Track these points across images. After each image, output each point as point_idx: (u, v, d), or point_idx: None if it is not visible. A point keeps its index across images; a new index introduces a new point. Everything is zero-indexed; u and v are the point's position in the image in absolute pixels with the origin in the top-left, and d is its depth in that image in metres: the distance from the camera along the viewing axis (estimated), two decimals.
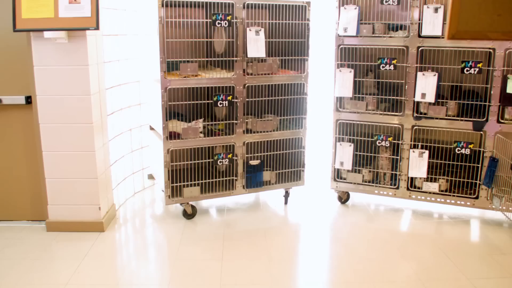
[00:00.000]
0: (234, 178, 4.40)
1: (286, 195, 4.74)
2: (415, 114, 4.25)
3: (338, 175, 4.67)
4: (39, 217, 4.14)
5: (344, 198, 4.74)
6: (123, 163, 4.69)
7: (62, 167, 3.90)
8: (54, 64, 3.72)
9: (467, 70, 4.02)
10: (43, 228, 4.05)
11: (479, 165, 4.15)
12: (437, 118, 4.19)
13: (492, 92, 4.01)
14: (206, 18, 4.32)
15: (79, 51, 3.70)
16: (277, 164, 4.66)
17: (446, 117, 4.18)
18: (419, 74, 4.14)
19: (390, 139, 4.36)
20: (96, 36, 3.87)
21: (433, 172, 4.35)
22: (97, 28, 3.59)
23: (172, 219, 4.34)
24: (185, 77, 4.06)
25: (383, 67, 4.28)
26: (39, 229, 4.05)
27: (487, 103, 4.05)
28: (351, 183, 4.62)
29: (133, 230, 4.16)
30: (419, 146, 4.30)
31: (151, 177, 5.17)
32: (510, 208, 4.10)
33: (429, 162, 4.27)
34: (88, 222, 3.98)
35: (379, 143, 4.41)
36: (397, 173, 4.42)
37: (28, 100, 3.91)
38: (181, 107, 4.36)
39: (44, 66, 3.73)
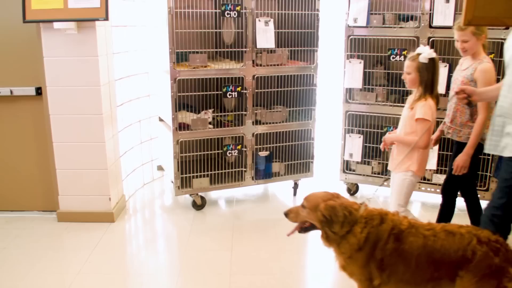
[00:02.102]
0: (243, 169, 4.40)
1: (295, 186, 4.73)
2: None
3: (347, 167, 4.66)
4: (50, 207, 4.16)
5: (353, 189, 4.73)
6: (132, 154, 4.71)
7: (73, 158, 3.92)
8: (63, 55, 3.73)
9: None
10: (54, 218, 4.08)
11: (490, 157, 4.12)
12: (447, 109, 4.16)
13: None
14: (215, 9, 4.30)
15: (89, 42, 3.70)
16: (286, 156, 4.65)
17: None
18: None
19: None
20: (105, 27, 3.88)
21: (443, 164, 4.32)
22: (106, 18, 3.59)
23: (181, 210, 4.35)
24: (194, 68, 4.05)
25: (393, 58, 4.25)
26: (50, 219, 4.08)
27: None
28: (360, 174, 4.61)
29: (142, 220, 4.18)
30: None
31: (160, 168, 5.18)
32: None
33: (439, 154, 4.24)
34: (99, 213, 4.00)
35: (389, 134, 4.39)
36: None
37: (38, 91, 3.92)
38: (190, 98, 4.36)
39: (54, 57, 3.74)
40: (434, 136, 3.54)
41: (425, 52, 3.05)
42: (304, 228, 2.59)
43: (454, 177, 3.33)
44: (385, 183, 3.56)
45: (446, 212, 3.57)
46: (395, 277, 2.42)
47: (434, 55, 3.07)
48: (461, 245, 2.30)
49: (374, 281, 2.45)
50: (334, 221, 2.41)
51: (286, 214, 2.61)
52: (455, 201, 3.54)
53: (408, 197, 3.24)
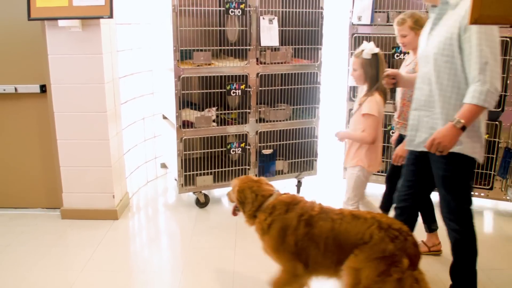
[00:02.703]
0: (247, 167, 4.40)
1: (299, 184, 4.73)
2: None
3: None
4: (54, 205, 4.18)
5: None
6: (136, 152, 4.72)
7: (77, 155, 3.92)
8: (68, 52, 3.74)
9: None
10: (58, 215, 4.09)
11: (494, 156, 4.11)
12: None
13: (508, 82, 3.96)
14: (219, 7, 4.30)
15: (93, 40, 3.71)
16: (290, 154, 4.65)
17: None
18: None
19: None
20: (110, 24, 3.88)
21: None
22: (111, 16, 3.59)
23: (184, 208, 4.36)
24: (198, 65, 4.05)
25: (397, 56, 4.24)
26: (54, 217, 4.10)
27: (502, 93, 4.01)
28: None
29: (146, 218, 4.19)
30: None
31: (164, 166, 5.19)
32: None
33: None
34: (102, 210, 4.01)
35: (392, 133, 4.39)
36: None
37: (43, 88, 3.93)
38: (194, 96, 4.36)
39: (59, 55, 3.75)
40: (394, 137, 3.60)
41: (368, 48, 3.09)
42: (236, 208, 2.87)
43: (397, 167, 3.35)
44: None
45: (387, 199, 3.59)
46: (310, 261, 2.56)
47: (377, 50, 3.12)
48: (362, 228, 2.42)
49: (297, 270, 2.60)
50: (244, 202, 2.72)
51: (227, 196, 2.98)
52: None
53: (358, 191, 3.28)
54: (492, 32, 2.35)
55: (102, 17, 3.61)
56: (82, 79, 3.78)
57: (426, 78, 2.58)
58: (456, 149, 2.48)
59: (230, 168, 4.43)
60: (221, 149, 4.45)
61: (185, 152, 4.22)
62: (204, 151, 4.41)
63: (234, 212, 2.92)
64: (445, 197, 2.68)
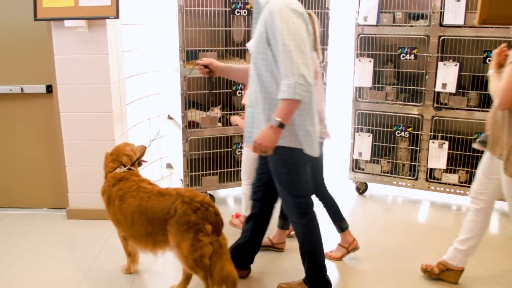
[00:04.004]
0: None
1: None
2: (436, 105, 4.21)
3: (356, 166, 4.65)
4: (60, 205, 4.19)
5: (362, 188, 4.72)
6: None
7: (83, 155, 3.93)
8: (74, 53, 3.75)
9: (489, 60, 3.96)
10: (64, 215, 4.10)
11: None
12: (457, 109, 4.15)
13: None
14: (225, 7, 4.30)
15: (99, 40, 3.72)
16: None
17: (467, 108, 4.13)
18: (440, 64, 4.08)
19: (409, 129, 4.33)
20: (116, 25, 3.89)
21: (452, 163, 4.31)
22: (117, 16, 3.60)
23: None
24: None
25: (403, 56, 4.24)
26: (60, 217, 4.11)
27: None
28: (369, 173, 4.59)
29: None
30: (439, 137, 4.26)
31: (169, 166, 5.19)
32: None
33: (448, 153, 4.23)
34: None
35: (398, 133, 4.38)
36: (416, 164, 4.39)
37: (49, 89, 3.94)
38: (200, 96, 4.36)
39: (65, 55, 3.76)
40: None
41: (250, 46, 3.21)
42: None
43: None
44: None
45: None
46: (125, 231, 2.96)
47: None
48: (167, 204, 2.69)
49: (122, 234, 3.07)
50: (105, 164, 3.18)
51: None
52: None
53: (248, 169, 3.55)
54: (295, 25, 2.41)
55: (108, 18, 3.62)
56: (88, 80, 3.78)
57: (252, 75, 2.66)
58: (279, 142, 2.54)
59: (236, 169, 4.42)
60: (227, 149, 4.45)
61: (191, 152, 4.22)
62: (209, 151, 4.41)
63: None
64: (280, 191, 2.78)
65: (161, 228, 2.72)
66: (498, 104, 2.52)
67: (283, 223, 3.54)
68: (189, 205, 2.65)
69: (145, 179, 3.02)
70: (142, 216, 2.76)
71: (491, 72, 2.69)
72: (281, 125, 2.44)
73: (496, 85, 2.56)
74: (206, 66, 3.02)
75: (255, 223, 3.10)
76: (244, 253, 3.16)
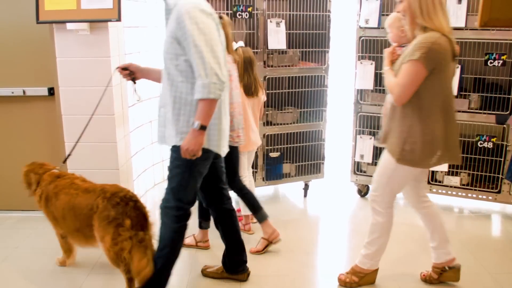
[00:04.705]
0: (254, 170, 4.40)
1: (306, 187, 4.73)
2: None
3: (358, 168, 4.65)
4: None
5: (364, 191, 4.71)
6: (143, 154, 4.73)
7: (84, 158, 3.93)
8: (76, 55, 3.75)
9: (490, 63, 3.96)
10: None
11: (502, 159, 4.10)
12: (459, 111, 4.14)
13: None
14: (227, 10, 4.31)
15: (101, 43, 3.72)
16: (297, 157, 4.64)
17: (468, 110, 4.13)
18: None
19: None
20: (118, 28, 3.90)
21: (454, 165, 4.30)
22: (119, 19, 3.61)
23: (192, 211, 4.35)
24: None
25: None
26: None
27: (511, 96, 3.99)
28: (371, 176, 4.56)
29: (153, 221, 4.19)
30: None
31: None
32: None
33: None
34: None
35: None
36: None
37: (51, 91, 3.95)
38: None
39: (67, 58, 3.77)
40: None
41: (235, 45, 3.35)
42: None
43: None
44: None
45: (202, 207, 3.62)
46: (60, 227, 3.10)
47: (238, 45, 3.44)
48: (91, 200, 2.86)
49: (60, 232, 3.21)
50: (30, 183, 3.22)
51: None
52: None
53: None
54: (205, 25, 2.46)
55: (110, 20, 3.63)
56: (90, 82, 3.79)
57: (163, 76, 2.70)
58: (178, 142, 2.61)
59: None
60: None
61: None
62: None
63: (30, 194, 3.26)
64: (167, 189, 2.80)
65: (88, 223, 2.88)
66: (394, 99, 2.71)
67: (199, 223, 3.63)
68: (110, 200, 2.81)
69: (79, 177, 3.17)
70: (71, 212, 2.95)
71: (386, 69, 2.89)
72: (202, 127, 2.50)
73: (392, 81, 2.76)
74: (125, 69, 3.07)
75: (222, 228, 3.13)
76: (232, 258, 3.17)
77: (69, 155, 3.39)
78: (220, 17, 2.91)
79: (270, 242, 3.56)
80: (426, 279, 3.21)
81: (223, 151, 2.77)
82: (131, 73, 3.09)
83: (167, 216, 2.82)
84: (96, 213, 2.82)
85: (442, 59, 2.61)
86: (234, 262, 3.18)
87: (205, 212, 3.54)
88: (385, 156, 2.91)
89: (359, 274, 3.14)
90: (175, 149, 2.65)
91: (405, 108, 2.74)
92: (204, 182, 2.87)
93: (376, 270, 3.16)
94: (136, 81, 3.19)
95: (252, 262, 3.43)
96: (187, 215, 2.83)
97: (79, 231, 2.98)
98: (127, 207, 2.79)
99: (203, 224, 3.61)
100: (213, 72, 2.42)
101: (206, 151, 2.65)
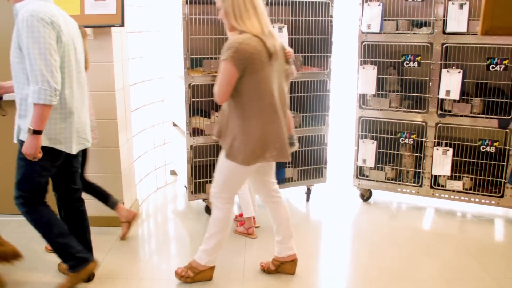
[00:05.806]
0: None
1: (308, 192, 4.73)
2: (439, 112, 4.21)
3: (360, 173, 4.65)
4: None
5: (366, 195, 4.72)
6: (146, 159, 4.74)
7: (87, 162, 3.94)
8: None
9: (492, 67, 3.97)
10: None
11: (505, 164, 4.10)
12: (461, 116, 4.15)
13: None
14: None
15: (105, 48, 3.74)
16: (299, 161, 4.65)
17: (471, 115, 4.13)
18: (444, 71, 4.09)
19: (413, 136, 4.33)
20: (121, 33, 3.92)
21: (457, 170, 4.30)
22: (122, 25, 3.63)
23: (194, 215, 4.37)
24: (208, 73, 4.07)
25: (406, 64, 4.24)
26: None
27: (509, 101, 4.00)
28: (374, 180, 4.59)
29: (155, 225, 4.20)
30: (443, 144, 4.26)
31: (173, 173, 5.21)
32: None
33: (453, 160, 4.22)
34: (112, 217, 4.01)
35: (402, 140, 4.38)
36: (420, 171, 4.38)
37: None
38: (204, 103, 4.38)
39: None
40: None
41: None
42: None
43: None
44: None
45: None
46: None
47: None
48: None
49: None
50: None
51: None
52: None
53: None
54: (40, 34, 2.56)
55: (113, 26, 3.65)
56: (93, 87, 3.80)
57: (12, 77, 2.78)
58: (23, 137, 2.74)
59: None
60: None
61: (195, 159, 4.23)
62: (214, 158, 4.41)
63: None
64: (16, 180, 2.93)
65: None
66: (215, 97, 2.84)
67: (110, 205, 3.73)
68: None
69: None
70: None
71: None
72: (35, 132, 2.63)
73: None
74: None
75: (70, 227, 3.17)
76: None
77: None
78: (79, 27, 3.06)
79: (130, 222, 3.77)
80: (264, 270, 3.35)
81: (72, 149, 2.89)
82: None
83: (19, 208, 3.02)
84: None
85: (253, 59, 2.71)
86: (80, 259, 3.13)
87: (101, 196, 3.72)
88: (222, 153, 3.02)
89: (194, 270, 3.20)
90: (22, 143, 2.79)
91: (233, 107, 2.86)
92: (54, 179, 3.10)
93: (213, 268, 3.23)
94: (2, 97, 3.33)
95: (252, 265, 3.44)
96: (30, 201, 2.99)
97: None
98: None
99: (112, 203, 3.73)
100: (43, 79, 2.56)
101: (51, 150, 2.79)
